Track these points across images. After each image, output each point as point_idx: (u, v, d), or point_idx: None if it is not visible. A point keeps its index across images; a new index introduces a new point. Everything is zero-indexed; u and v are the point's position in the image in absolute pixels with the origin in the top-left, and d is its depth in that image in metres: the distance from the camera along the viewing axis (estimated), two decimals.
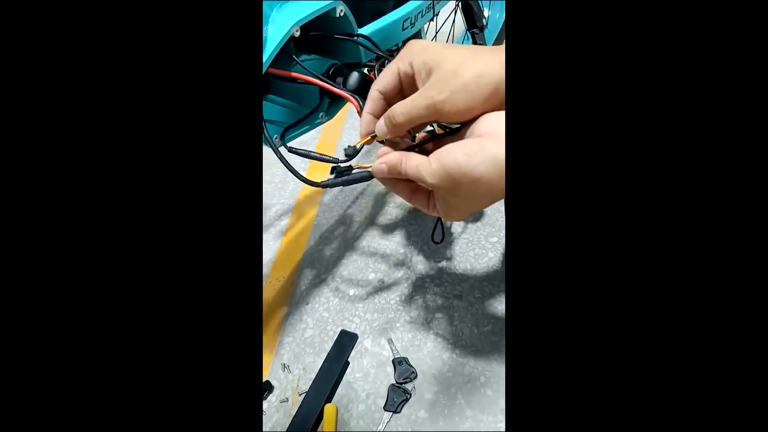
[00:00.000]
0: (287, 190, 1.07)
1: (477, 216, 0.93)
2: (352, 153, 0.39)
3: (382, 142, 0.38)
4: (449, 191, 0.32)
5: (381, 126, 0.36)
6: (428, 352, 0.70)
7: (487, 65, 0.30)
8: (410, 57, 0.34)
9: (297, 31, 0.42)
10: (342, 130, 1.24)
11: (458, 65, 0.31)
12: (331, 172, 0.40)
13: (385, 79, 0.36)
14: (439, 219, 0.78)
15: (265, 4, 0.41)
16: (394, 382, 0.67)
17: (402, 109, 0.33)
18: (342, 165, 0.40)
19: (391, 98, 0.36)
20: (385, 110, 0.36)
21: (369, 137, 0.38)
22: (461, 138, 0.33)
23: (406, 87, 0.36)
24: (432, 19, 0.66)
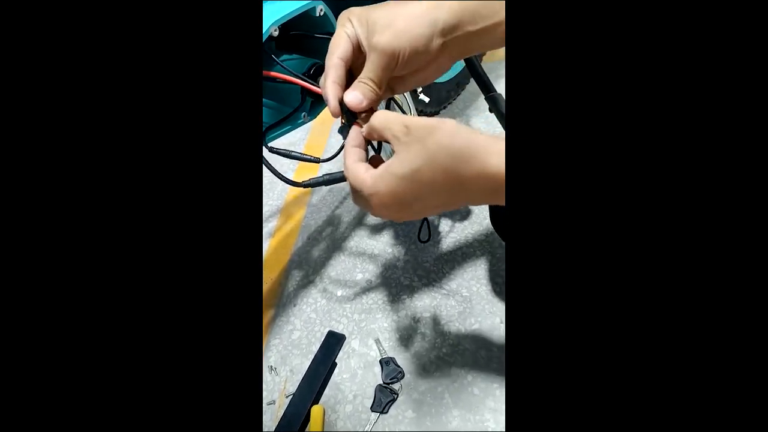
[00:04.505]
0: (275, 192, 1.06)
1: (464, 215, 0.93)
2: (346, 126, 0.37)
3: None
4: (404, 141, 0.32)
5: (355, 95, 0.35)
6: (415, 351, 0.70)
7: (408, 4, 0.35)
8: (348, 15, 0.36)
9: (276, 30, 0.42)
10: (330, 131, 1.24)
11: (389, 11, 0.35)
12: (341, 115, 0.37)
13: (341, 47, 0.36)
14: (425, 217, 0.78)
15: None
16: (381, 382, 0.67)
17: (362, 78, 0.35)
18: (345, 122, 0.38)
19: (349, 63, 0.36)
20: (346, 78, 0.36)
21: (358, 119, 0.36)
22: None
23: (356, 47, 0.36)
24: None
